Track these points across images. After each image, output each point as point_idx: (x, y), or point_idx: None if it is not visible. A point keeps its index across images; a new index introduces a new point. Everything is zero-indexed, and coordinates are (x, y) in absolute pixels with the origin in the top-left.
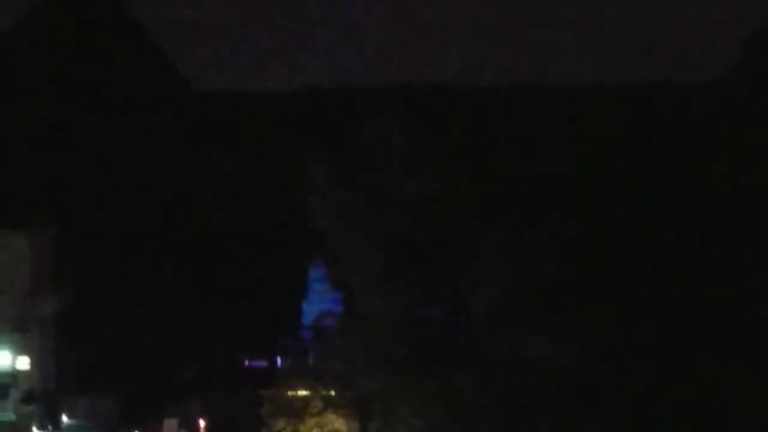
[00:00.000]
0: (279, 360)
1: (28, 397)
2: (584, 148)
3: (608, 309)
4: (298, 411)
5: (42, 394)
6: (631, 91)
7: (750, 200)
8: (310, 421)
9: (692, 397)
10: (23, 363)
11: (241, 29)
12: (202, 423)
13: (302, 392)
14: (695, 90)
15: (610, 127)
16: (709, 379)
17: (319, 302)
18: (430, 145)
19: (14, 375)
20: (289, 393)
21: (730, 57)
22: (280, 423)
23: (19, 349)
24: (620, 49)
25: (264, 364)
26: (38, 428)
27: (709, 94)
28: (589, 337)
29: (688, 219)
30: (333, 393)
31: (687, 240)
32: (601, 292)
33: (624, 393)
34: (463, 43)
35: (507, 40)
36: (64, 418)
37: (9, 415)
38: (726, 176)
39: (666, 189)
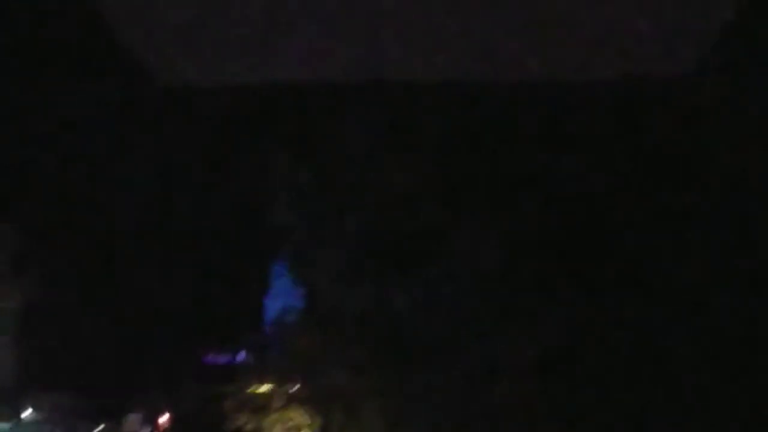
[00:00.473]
0: (242, 356)
1: None
2: (545, 146)
3: (577, 308)
4: (261, 406)
5: (3, 389)
6: (606, 86)
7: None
8: (273, 417)
9: (643, 399)
10: None
11: (201, 26)
12: (165, 418)
13: (265, 388)
14: (664, 85)
15: (578, 125)
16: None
17: (281, 298)
18: (397, 141)
19: None
20: (252, 388)
21: (695, 52)
22: (243, 418)
23: None
24: (597, 46)
25: (227, 359)
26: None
27: (673, 89)
28: (557, 336)
29: (648, 220)
30: (296, 389)
31: (646, 241)
32: (570, 290)
33: (588, 394)
34: (432, 40)
35: (475, 37)
36: (27, 413)
37: None
38: (680, 173)
39: (624, 187)
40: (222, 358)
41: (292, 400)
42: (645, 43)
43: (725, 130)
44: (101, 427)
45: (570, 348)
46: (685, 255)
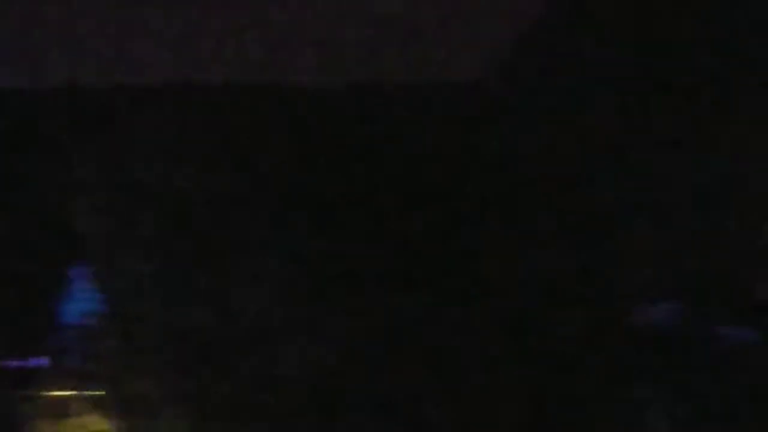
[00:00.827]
0: (40, 360)
1: None
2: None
3: (379, 309)
4: (59, 412)
5: None
6: (396, 90)
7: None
8: (73, 422)
9: (459, 399)
10: None
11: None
12: None
13: (64, 393)
14: (457, 89)
15: (377, 128)
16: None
17: (82, 302)
18: (202, 144)
19: None
20: (51, 393)
21: (489, 56)
22: (42, 424)
23: None
24: (388, 47)
25: (26, 363)
26: None
27: (466, 93)
28: (357, 339)
29: (461, 216)
30: (96, 394)
31: (457, 235)
32: (371, 292)
33: (392, 396)
34: (250, 41)
35: (296, 38)
36: None
37: None
38: (482, 173)
39: (432, 186)
40: (21, 362)
41: (92, 406)
42: (437, 48)
43: (512, 134)
44: None
45: (370, 351)
46: (475, 256)
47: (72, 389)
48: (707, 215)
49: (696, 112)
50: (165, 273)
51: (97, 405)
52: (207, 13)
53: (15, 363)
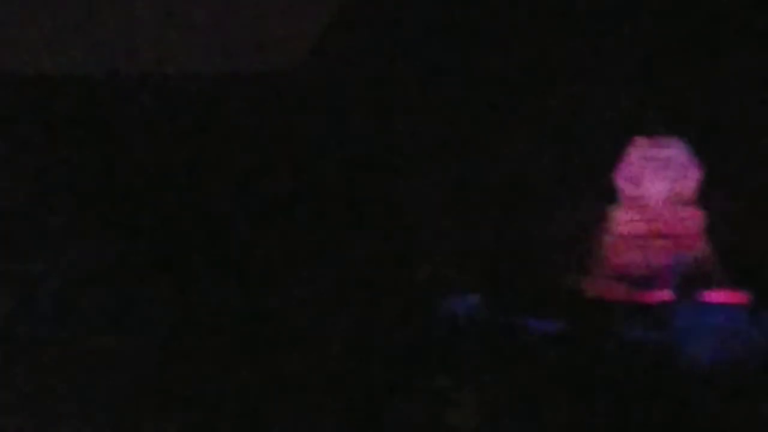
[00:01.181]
0: None
1: None
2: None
3: (186, 300)
4: None
5: None
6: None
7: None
8: None
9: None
10: None
11: None
12: None
13: None
14: (265, 80)
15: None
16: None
17: None
18: None
19: None
20: None
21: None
22: None
23: None
24: (192, 39)
25: None
26: None
27: (274, 85)
28: (166, 330)
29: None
30: None
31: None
32: (178, 282)
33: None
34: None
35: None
36: None
37: None
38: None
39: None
40: None
41: None
42: (239, 40)
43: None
44: None
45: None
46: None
47: None
48: (506, 211)
49: (480, 113)
50: None
51: None
52: None
53: None
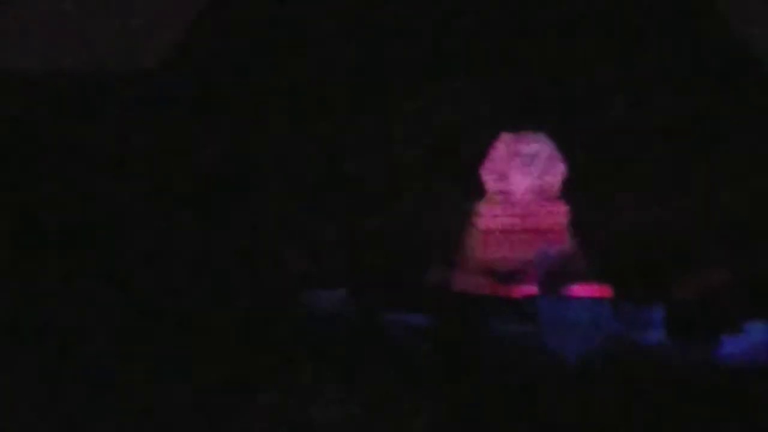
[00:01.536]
0: None
1: None
2: None
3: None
4: None
5: None
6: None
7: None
8: None
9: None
10: None
11: None
12: None
13: None
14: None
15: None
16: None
17: None
18: None
19: None
20: None
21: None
22: None
23: None
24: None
25: None
26: None
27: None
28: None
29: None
30: None
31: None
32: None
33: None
34: None
35: None
36: None
37: None
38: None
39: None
40: None
41: None
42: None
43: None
44: None
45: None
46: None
47: None
48: (373, 205)
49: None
50: None
51: None
52: None
53: None
